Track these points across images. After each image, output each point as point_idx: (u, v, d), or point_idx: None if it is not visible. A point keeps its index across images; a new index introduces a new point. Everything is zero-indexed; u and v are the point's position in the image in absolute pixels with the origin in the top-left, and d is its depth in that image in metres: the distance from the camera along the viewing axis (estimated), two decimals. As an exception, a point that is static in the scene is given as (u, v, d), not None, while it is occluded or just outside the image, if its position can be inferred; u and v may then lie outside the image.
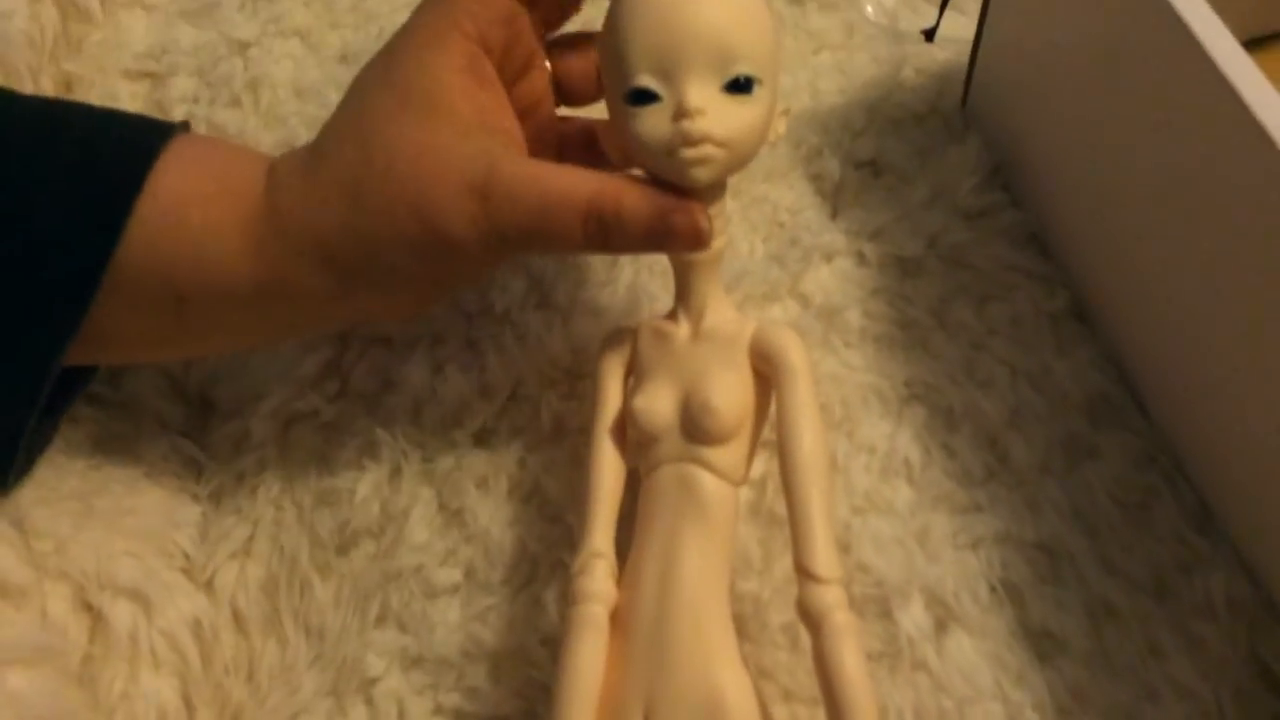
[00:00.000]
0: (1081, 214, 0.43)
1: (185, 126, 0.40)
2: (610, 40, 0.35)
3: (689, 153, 0.33)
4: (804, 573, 0.32)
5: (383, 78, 0.37)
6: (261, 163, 0.38)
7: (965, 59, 0.48)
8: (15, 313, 0.36)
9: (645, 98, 0.34)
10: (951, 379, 0.42)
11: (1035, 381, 0.42)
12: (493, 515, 0.42)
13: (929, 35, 0.50)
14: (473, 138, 0.36)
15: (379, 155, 0.35)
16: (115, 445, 0.44)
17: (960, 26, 0.51)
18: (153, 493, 0.43)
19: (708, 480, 0.34)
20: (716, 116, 0.33)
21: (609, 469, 0.36)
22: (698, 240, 0.34)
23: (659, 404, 0.35)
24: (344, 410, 0.44)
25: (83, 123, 0.38)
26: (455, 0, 0.37)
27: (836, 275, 0.45)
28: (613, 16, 0.35)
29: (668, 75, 0.33)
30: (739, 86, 0.33)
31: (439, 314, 0.45)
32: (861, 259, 0.45)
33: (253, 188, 0.37)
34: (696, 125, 0.33)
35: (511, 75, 0.39)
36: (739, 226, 0.47)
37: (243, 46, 0.51)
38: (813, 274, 0.45)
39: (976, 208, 0.46)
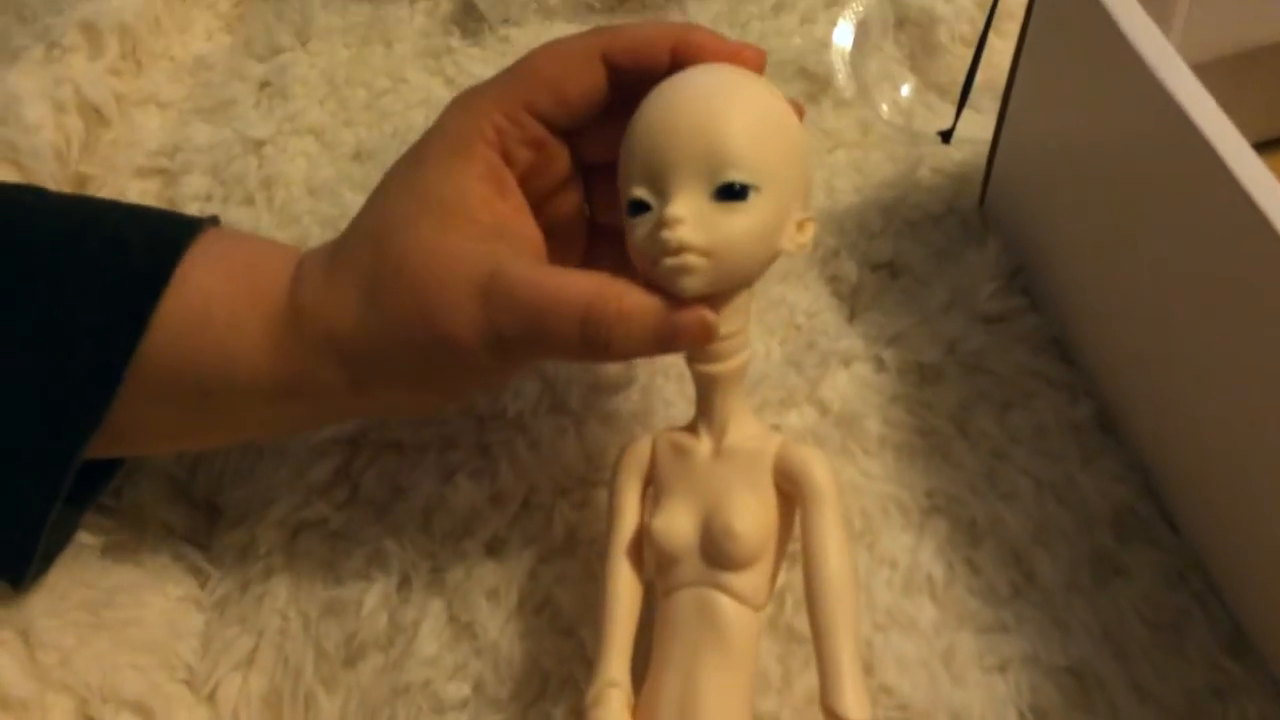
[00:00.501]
0: (1103, 319, 0.43)
1: (214, 221, 0.40)
2: (620, 153, 0.35)
3: (670, 262, 0.33)
4: (831, 715, 0.31)
5: (405, 180, 0.37)
6: (288, 258, 0.38)
7: (982, 159, 0.48)
8: (40, 405, 0.36)
9: (640, 208, 0.34)
10: (974, 490, 0.41)
11: (1060, 494, 0.41)
12: (503, 628, 0.41)
13: (945, 137, 0.49)
14: (485, 242, 0.35)
15: (393, 256, 0.35)
16: (122, 553, 0.43)
17: (976, 126, 0.50)
18: (157, 602, 0.43)
19: (728, 606, 0.33)
20: (701, 225, 0.33)
21: (625, 590, 0.35)
22: (706, 334, 0.34)
23: (678, 524, 0.34)
24: (353, 518, 0.43)
25: (111, 218, 0.38)
26: (483, 110, 0.37)
27: (855, 381, 0.44)
28: (626, 130, 0.35)
29: (657, 185, 0.33)
30: (730, 193, 0.33)
31: (450, 418, 0.45)
32: (880, 365, 0.45)
33: (277, 284, 0.37)
34: (675, 234, 0.32)
35: (538, 195, 0.39)
36: (755, 328, 0.46)
37: (257, 145, 0.51)
38: (830, 379, 0.44)
39: (996, 312, 0.45)
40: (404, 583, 0.42)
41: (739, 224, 0.33)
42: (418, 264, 0.35)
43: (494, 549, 0.42)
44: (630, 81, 0.36)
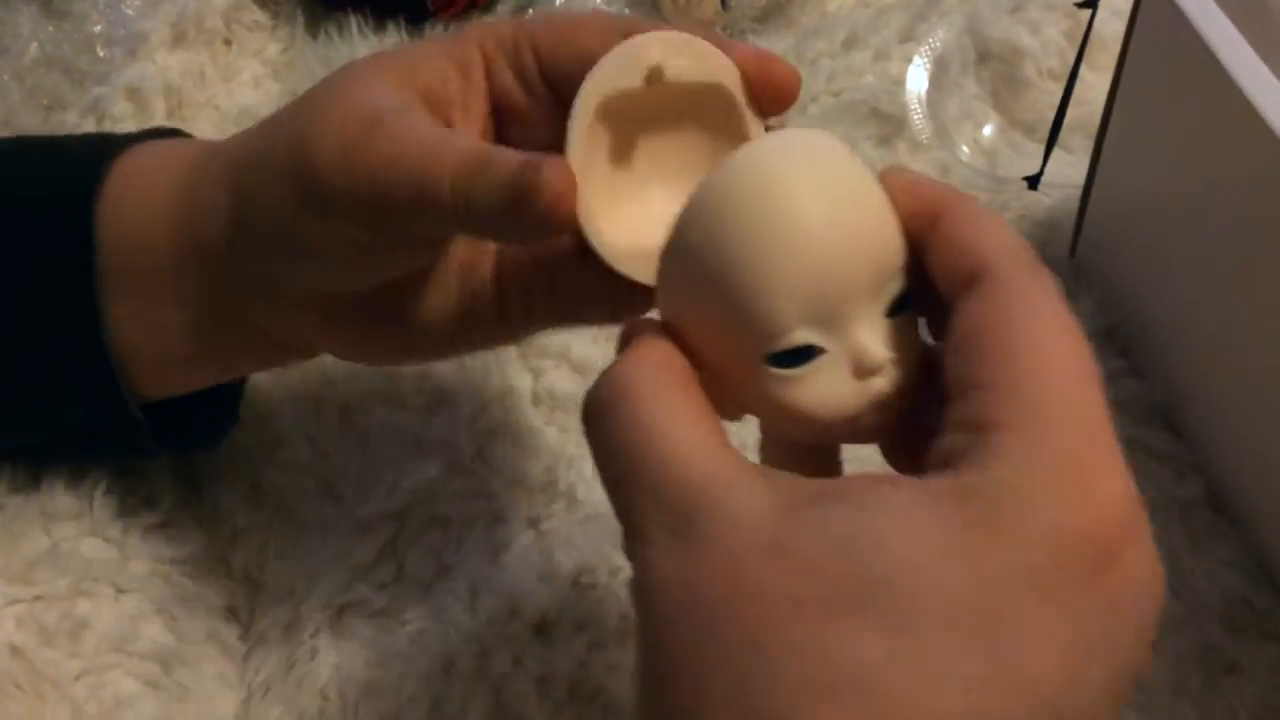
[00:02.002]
0: (1213, 385, 0.39)
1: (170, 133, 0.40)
2: (711, 284, 0.25)
3: (874, 418, 0.26)
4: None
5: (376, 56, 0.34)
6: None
7: (1073, 205, 0.45)
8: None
9: (800, 356, 0.25)
10: (1067, 576, 0.38)
11: (1167, 582, 0.37)
12: (552, 718, 0.38)
13: (1033, 181, 0.46)
14: (407, 93, 0.32)
15: (317, 94, 0.33)
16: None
17: (1067, 168, 0.47)
18: (192, 682, 0.41)
19: None
20: (894, 359, 0.25)
21: None
22: (557, 205, 0.27)
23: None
24: (397, 595, 0.41)
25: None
26: (485, 28, 0.34)
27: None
28: (717, 253, 0.25)
29: (829, 321, 0.25)
30: (903, 305, 0.26)
31: (499, 490, 0.42)
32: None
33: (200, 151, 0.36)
34: (892, 381, 0.25)
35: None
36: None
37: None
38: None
39: (1091, 375, 0.41)
40: (447, 667, 0.40)
41: (913, 340, 0.26)
42: (322, 90, 0.32)
43: (543, 631, 0.40)
44: None
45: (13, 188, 0.38)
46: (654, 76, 0.29)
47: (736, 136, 0.30)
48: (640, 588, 0.24)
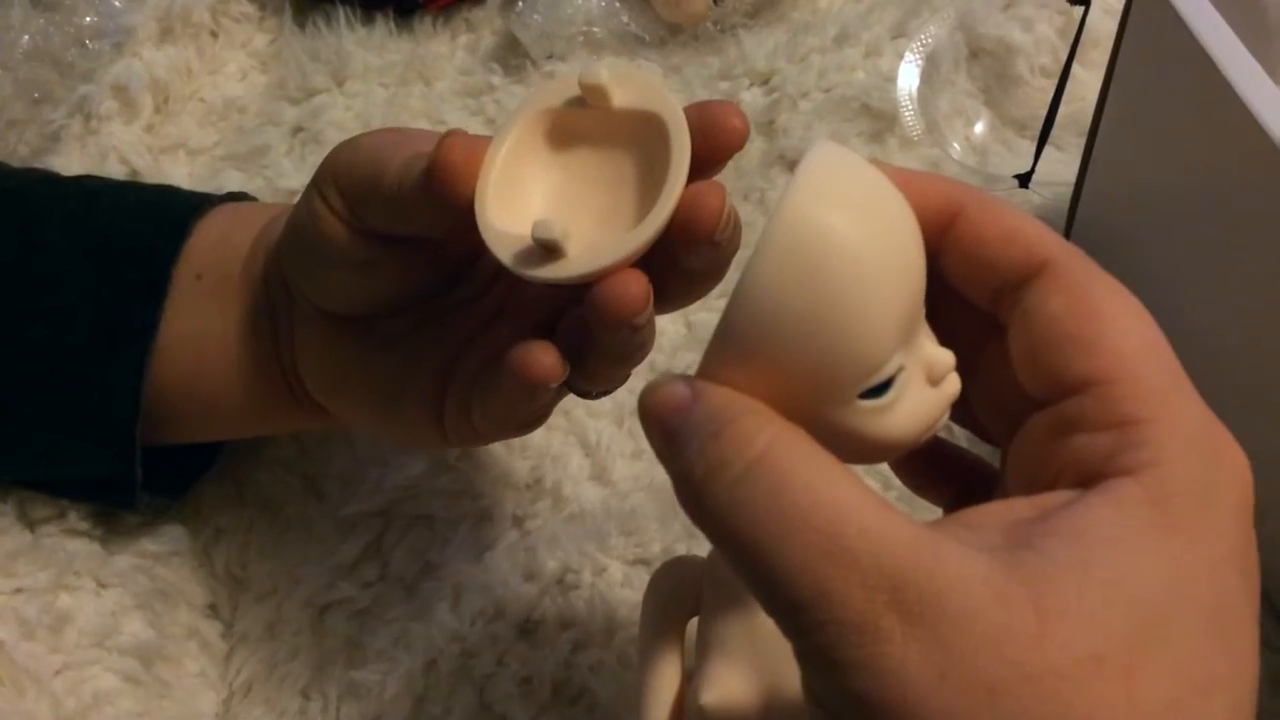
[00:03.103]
0: (1203, 384, 0.38)
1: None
2: (799, 329, 0.23)
3: (944, 420, 0.25)
4: None
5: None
6: None
7: (1064, 203, 0.44)
8: (99, 323, 0.38)
9: (890, 382, 0.24)
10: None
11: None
12: (535, 719, 0.38)
13: (1024, 179, 0.45)
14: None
15: None
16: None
17: (1059, 166, 0.46)
18: (175, 680, 0.40)
19: None
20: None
21: None
22: (449, 171, 0.28)
23: (735, 694, 0.28)
24: (381, 595, 0.41)
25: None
26: None
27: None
28: (803, 299, 0.23)
29: (908, 339, 0.24)
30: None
31: (484, 489, 0.42)
32: (950, 433, 0.41)
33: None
34: (956, 379, 0.25)
35: None
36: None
37: (290, 195, 0.48)
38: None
39: (1080, 375, 0.41)
40: (430, 667, 0.39)
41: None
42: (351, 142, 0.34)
43: (527, 631, 0.39)
44: None
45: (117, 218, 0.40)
46: (592, 96, 0.29)
47: (659, 166, 0.28)
48: (884, 689, 0.19)
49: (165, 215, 0.40)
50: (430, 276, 0.34)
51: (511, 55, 0.53)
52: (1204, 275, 0.36)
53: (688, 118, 0.28)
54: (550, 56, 0.52)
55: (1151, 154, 0.38)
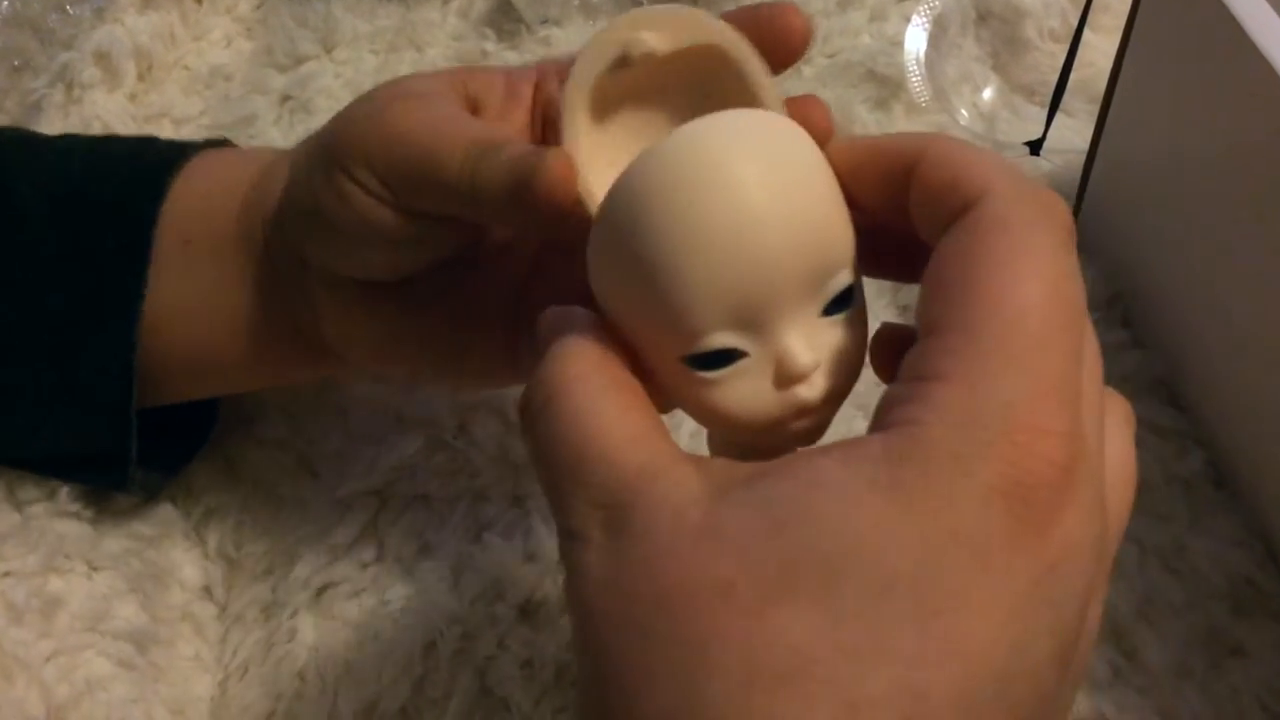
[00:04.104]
0: (1217, 358, 0.38)
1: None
2: (631, 276, 0.24)
3: (803, 424, 0.24)
4: None
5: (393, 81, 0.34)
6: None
7: (1076, 171, 0.43)
8: (78, 293, 0.37)
9: (724, 359, 0.23)
10: (1067, 555, 0.37)
11: (1168, 561, 0.37)
12: (537, 704, 0.37)
13: (1035, 146, 0.44)
14: (444, 87, 0.32)
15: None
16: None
17: (1069, 132, 0.45)
18: (169, 663, 0.40)
19: None
20: (827, 362, 0.24)
21: None
22: (555, 192, 0.27)
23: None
24: (379, 576, 0.40)
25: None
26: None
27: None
28: (635, 244, 0.23)
29: (753, 324, 0.23)
30: (843, 303, 0.24)
31: (483, 467, 0.41)
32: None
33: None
34: (815, 389, 0.24)
35: None
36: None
37: (279, 163, 0.47)
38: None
39: (1092, 347, 0.40)
40: (430, 649, 0.38)
41: (854, 338, 0.24)
42: (382, 83, 0.32)
43: (528, 612, 0.39)
44: None
45: (87, 179, 0.39)
46: (632, 53, 0.27)
47: (745, 98, 0.27)
48: (574, 590, 0.22)
49: (141, 172, 0.38)
50: (479, 234, 0.33)
51: (505, 20, 0.51)
52: (1226, 246, 0.36)
53: (741, 29, 0.27)
54: (545, 21, 0.51)
55: (1170, 121, 0.37)
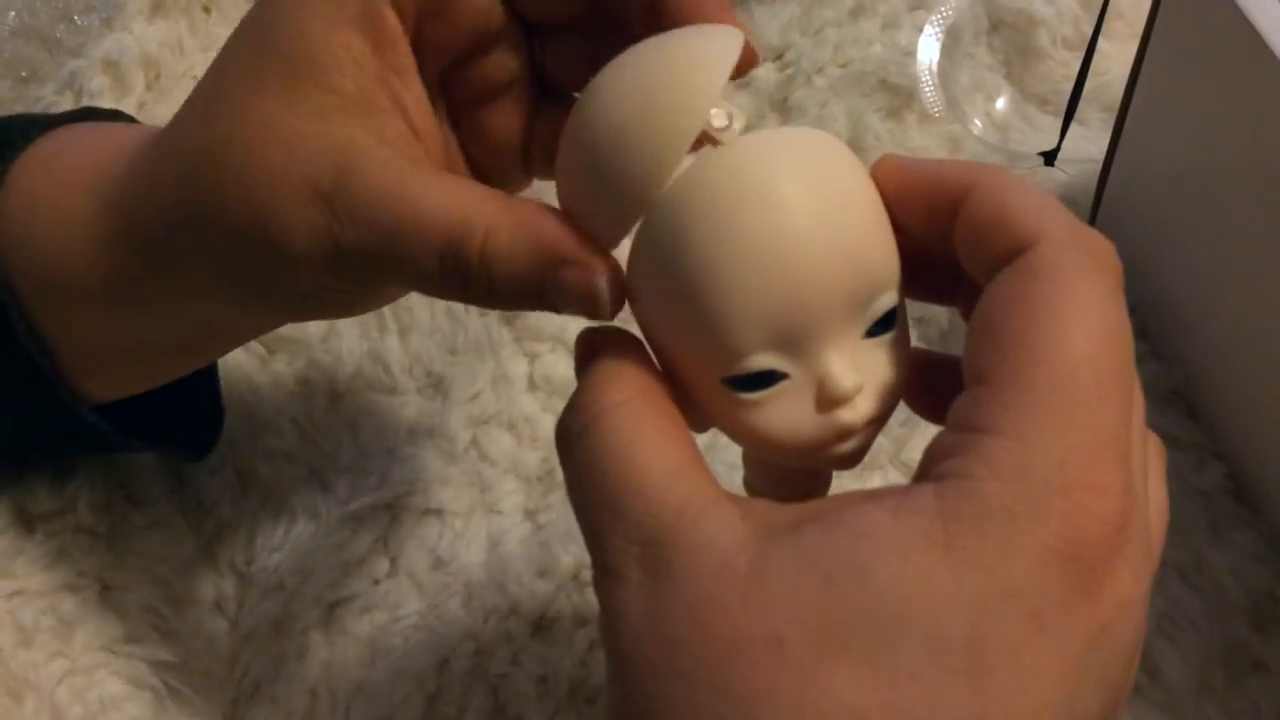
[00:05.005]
0: (1237, 368, 0.37)
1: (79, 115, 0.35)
2: (671, 295, 0.23)
3: (845, 448, 0.24)
4: None
5: (252, 27, 0.29)
6: (137, 139, 0.32)
7: (1091, 181, 0.43)
8: None
9: (765, 380, 0.23)
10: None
11: (1187, 576, 0.36)
12: (552, 720, 0.37)
13: (1049, 157, 0.44)
14: (336, 122, 0.27)
15: (221, 129, 0.28)
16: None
17: (1084, 142, 0.45)
18: (181, 681, 0.39)
19: None
20: (870, 384, 0.24)
21: None
22: (592, 304, 0.25)
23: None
24: (390, 591, 0.40)
25: None
26: None
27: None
28: (676, 264, 0.23)
29: (795, 345, 0.23)
30: (886, 324, 0.24)
31: (496, 480, 0.41)
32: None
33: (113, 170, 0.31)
34: (859, 412, 0.23)
35: (446, 48, 0.30)
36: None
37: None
38: (919, 439, 0.39)
39: (1109, 359, 0.40)
40: (443, 665, 0.38)
41: (897, 360, 0.24)
42: (246, 150, 0.27)
43: (542, 629, 0.38)
44: None
45: None
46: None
47: None
48: (610, 629, 0.22)
49: None
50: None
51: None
52: (1244, 254, 0.35)
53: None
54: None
55: (1187, 130, 0.37)
